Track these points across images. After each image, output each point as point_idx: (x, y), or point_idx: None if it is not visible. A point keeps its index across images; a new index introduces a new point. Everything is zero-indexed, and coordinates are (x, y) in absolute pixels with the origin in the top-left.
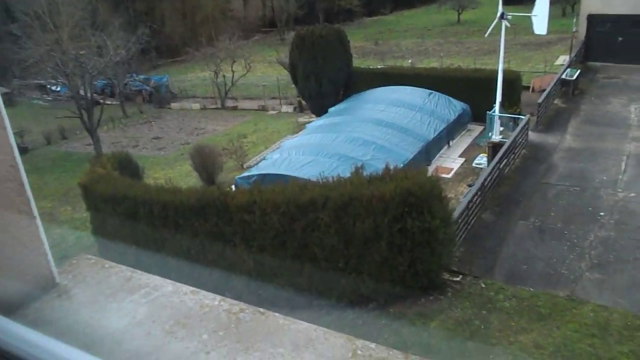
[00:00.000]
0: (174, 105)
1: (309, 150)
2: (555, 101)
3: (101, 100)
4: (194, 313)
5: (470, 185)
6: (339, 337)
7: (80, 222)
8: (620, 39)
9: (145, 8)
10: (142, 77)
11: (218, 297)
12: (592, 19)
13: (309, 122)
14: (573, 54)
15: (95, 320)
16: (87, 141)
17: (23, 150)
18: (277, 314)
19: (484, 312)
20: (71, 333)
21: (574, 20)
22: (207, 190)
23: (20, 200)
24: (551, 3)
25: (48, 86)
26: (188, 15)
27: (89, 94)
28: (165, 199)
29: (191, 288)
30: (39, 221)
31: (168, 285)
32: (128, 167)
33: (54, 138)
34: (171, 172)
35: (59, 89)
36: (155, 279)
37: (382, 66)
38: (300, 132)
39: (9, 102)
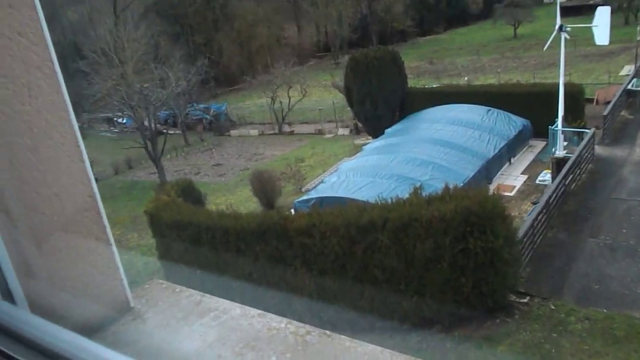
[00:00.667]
0: (233, 132)
1: (367, 172)
2: (622, 113)
3: (164, 130)
4: (262, 335)
5: (534, 203)
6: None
7: (147, 248)
8: None
9: (203, 40)
10: (202, 106)
11: (285, 320)
12: None
13: (366, 144)
14: (639, 64)
15: (167, 343)
16: (151, 170)
17: None
18: (343, 336)
19: (555, 334)
20: (146, 355)
21: (639, 28)
22: (266, 215)
23: (98, 228)
24: (613, 12)
25: (115, 119)
26: (244, 44)
27: (153, 125)
28: (226, 224)
29: (258, 311)
30: (114, 248)
31: (236, 309)
32: (191, 194)
33: (121, 168)
34: (232, 197)
35: (125, 121)
36: (224, 303)
37: (438, 85)
38: (357, 154)
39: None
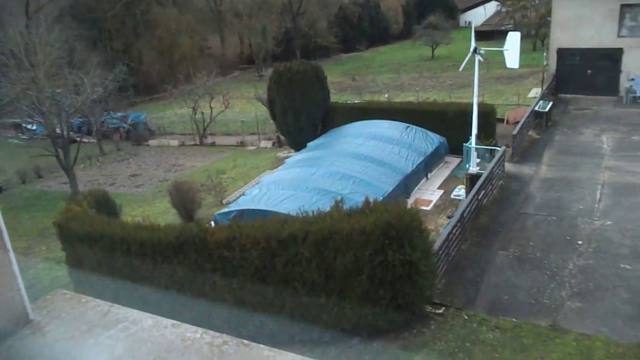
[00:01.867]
0: (152, 142)
1: (288, 185)
2: (530, 132)
3: (78, 139)
4: (175, 347)
5: (449, 217)
6: None
7: (56, 261)
8: (589, 71)
9: (122, 46)
10: (119, 114)
11: (200, 330)
12: (561, 52)
13: (288, 157)
14: (545, 87)
15: (70, 358)
16: (63, 180)
17: None
18: (262, 346)
19: (468, 344)
20: None
21: (545, 54)
22: (185, 227)
23: None
24: (522, 38)
25: (24, 125)
26: (165, 53)
27: (65, 132)
28: (143, 237)
29: (172, 321)
30: (12, 255)
31: (147, 319)
32: (105, 205)
33: (29, 177)
34: (149, 209)
35: (34, 127)
36: (134, 313)
37: (360, 101)
38: (279, 167)
39: None
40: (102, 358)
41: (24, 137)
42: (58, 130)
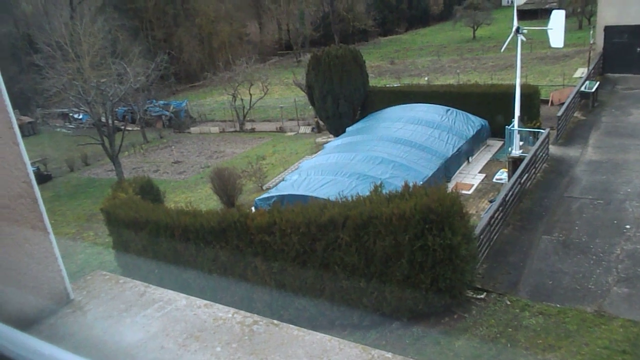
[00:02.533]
0: (193, 129)
1: (328, 170)
2: (575, 114)
3: (122, 127)
4: (207, 326)
5: (491, 201)
6: (354, 347)
7: (104, 247)
8: (638, 49)
9: (163, 35)
10: (161, 102)
11: (232, 310)
12: (609, 30)
13: (327, 142)
14: (591, 67)
15: (109, 335)
16: (109, 167)
17: (47, 178)
18: (291, 326)
19: (510, 329)
20: (85, 348)
21: (591, 32)
22: (227, 213)
23: (34, 215)
24: (567, 16)
25: (70, 114)
26: (205, 41)
27: (110, 121)
28: (186, 222)
29: (205, 302)
30: (52, 237)
31: (182, 299)
32: (149, 191)
33: (77, 165)
34: (192, 195)
35: (81, 116)
36: (169, 293)
37: (399, 85)
38: (319, 153)
39: (33, 131)
40: (138, 336)
41: (71, 126)
42: (103, 119)
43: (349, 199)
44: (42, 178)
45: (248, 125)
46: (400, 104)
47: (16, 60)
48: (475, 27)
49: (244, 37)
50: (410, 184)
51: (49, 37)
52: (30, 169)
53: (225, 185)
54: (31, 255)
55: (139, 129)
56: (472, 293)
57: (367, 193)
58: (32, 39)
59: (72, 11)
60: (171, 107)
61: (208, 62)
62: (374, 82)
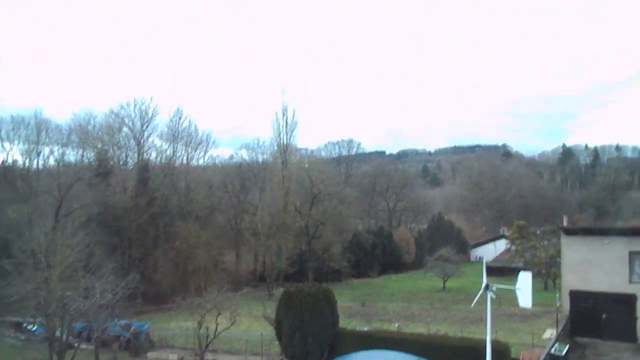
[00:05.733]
0: (150, 354)
1: None
2: None
3: (76, 344)
4: None
5: None
6: None
7: None
8: (604, 315)
9: (140, 255)
10: (123, 322)
11: None
12: (574, 295)
13: None
14: (559, 328)
15: None
16: None
17: None
18: None
19: None
20: None
21: (557, 294)
22: None
23: None
24: (533, 276)
25: (25, 324)
26: (181, 264)
27: (64, 337)
28: None
29: None
30: None
31: None
32: None
33: None
34: None
35: (34, 328)
36: None
37: (369, 328)
38: None
39: None
40: None
41: (22, 337)
42: (58, 334)
43: None
44: None
45: (209, 356)
46: (370, 348)
47: None
48: (445, 279)
49: (219, 264)
50: None
51: (26, 244)
52: None
53: None
54: None
55: (92, 348)
56: None
57: None
58: (8, 244)
59: (56, 222)
60: (132, 329)
61: (180, 286)
62: (344, 322)
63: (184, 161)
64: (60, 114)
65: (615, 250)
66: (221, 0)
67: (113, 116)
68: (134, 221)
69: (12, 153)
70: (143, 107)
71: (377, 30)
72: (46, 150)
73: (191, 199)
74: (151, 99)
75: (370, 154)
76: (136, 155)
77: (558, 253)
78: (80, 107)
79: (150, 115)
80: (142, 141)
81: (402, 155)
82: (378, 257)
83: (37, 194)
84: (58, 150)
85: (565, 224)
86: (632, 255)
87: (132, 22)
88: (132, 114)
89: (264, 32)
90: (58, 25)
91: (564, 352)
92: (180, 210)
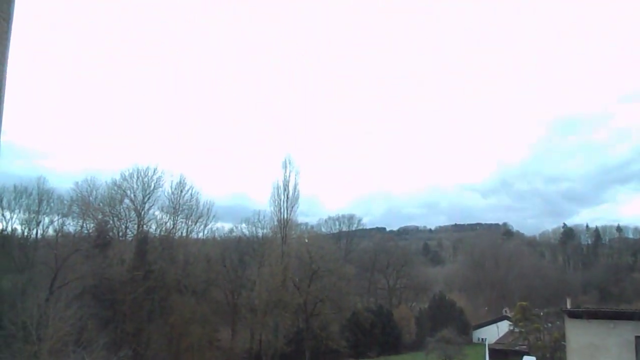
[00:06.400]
0: None
1: None
2: None
3: None
4: None
5: None
6: None
7: None
8: None
9: (133, 329)
10: None
11: None
12: None
13: None
14: None
15: None
16: None
17: None
18: None
19: None
20: None
21: None
22: None
23: None
24: None
25: None
26: (174, 341)
27: None
28: None
29: None
30: None
31: None
32: None
33: None
34: None
35: None
36: None
37: None
38: None
39: None
40: None
41: None
42: None
43: None
44: None
45: None
46: None
47: None
48: None
49: (214, 341)
50: None
51: (18, 315)
52: None
53: None
54: None
55: None
56: None
57: None
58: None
59: (50, 294)
60: None
61: None
62: None
63: (184, 234)
64: (63, 184)
65: (622, 335)
66: (224, 60)
67: (115, 187)
68: (129, 294)
69: (12, 222)
70: (146, 179)
71: (377, 107)
72: (46, 220)
73: (188, 272)
74: (154, 171)
75: (371, 229)
76: (136, 226)
77: (562, 336)
78: (83, 176)
79: (152, 187)
80: (142, 213)
81: (403, 232)
82: (377, 336)
83: (34, 264)
84: (58, 220)
85: (569, 306)
86: (639, 340)
87: (137, 83)
88: (135, 186)
89: (268, 98)
90: (65, 86)
91: None
92: (177, 284)
